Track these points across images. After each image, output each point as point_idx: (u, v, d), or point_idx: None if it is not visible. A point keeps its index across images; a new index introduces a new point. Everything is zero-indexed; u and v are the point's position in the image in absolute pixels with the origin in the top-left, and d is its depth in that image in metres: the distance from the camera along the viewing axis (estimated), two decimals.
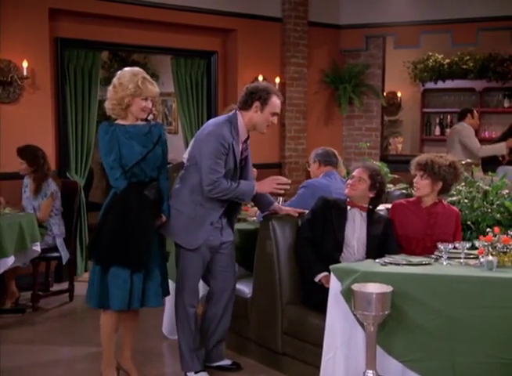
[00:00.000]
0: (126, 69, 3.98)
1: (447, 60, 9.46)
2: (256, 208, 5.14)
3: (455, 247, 3.72)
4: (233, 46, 7.60)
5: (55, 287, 6.30)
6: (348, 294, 3.51)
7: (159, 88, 9.78)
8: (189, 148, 4.90)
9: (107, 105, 3.93)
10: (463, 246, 3.74)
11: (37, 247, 5.48)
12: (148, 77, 3.94)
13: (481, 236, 3.68)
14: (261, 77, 7.64)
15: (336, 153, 5.46)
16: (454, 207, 4.49)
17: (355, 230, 4.21)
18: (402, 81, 9.70)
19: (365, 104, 8.34)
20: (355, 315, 3.48)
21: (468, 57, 9.30)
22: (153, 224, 3.94)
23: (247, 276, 4.80)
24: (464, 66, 9.37)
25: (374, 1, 8.09)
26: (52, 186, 5.81)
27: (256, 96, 4.01)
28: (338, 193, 4.50)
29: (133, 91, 3.82)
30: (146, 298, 3.95)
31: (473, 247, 3.79)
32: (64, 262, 5.93)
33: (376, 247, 4.17)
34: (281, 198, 5.52)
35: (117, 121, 3.95)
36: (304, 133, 8.01)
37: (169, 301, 4.96)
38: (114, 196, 3.90)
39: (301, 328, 4.03)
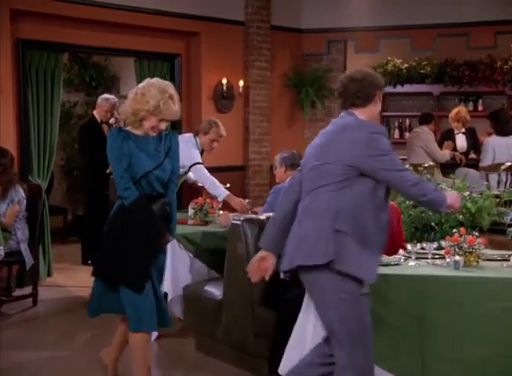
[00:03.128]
0: (155, 81, 3.70)
1: (405, 65, 9.61)
2: (230, 215, 5.20)
3: (422, 248, 3.83)
4: (197, 49, 7.64)
5: (17, 292, 6.22)
6: None
7: (119, 90, 9.82)
8: None
9: (123, 109, 3.74)
10: (430, 246, 3.86)
11: (1, 252, 5.42)
12: (175, 96, 3.68)
13: (448, 237, 3.80)
14: (224, 80, 7.70)
15: (300, 155, 5.55)
16: (392, 203, 4.61)
17: None
18: None
19: (327, 107, 8.46)
20: None
21: (426, 62, 9.48)
22: (159, 243, 3.76)
23: (217, 278, 4.87)
24: (422, 71, 9.52)
25: (335, 7, 8.21)
26: (19, 193, 5.73)
27: None
28: None
29: (152, 109, 3.58)
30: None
31: (439, 248, 3.92)
32: (28, 268, 5.87)
33: None
34: (247, 200, 5.60)
35: (128, 129, 3.73)
36: (267, 136, 8.09)
37: None
38: (122, 208, 3.68)
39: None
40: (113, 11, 6.86)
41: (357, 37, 8.34)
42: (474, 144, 8.13)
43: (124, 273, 3.64)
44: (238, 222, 4.35)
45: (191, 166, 5.60)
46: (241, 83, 7.86)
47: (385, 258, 3.83)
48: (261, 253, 3.38)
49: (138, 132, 3.68)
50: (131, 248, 3.63)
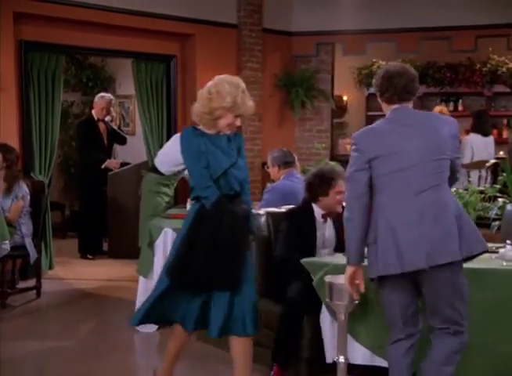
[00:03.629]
0: (226, 77, 3.52)
1: None
2: None
3: None
4: (191, 51, 7.63)
5: (21, 285, 6.21)
6: (320, 286, 3.63)
7: (116, 90, 9.78)
8: None
9: (195, 109, 3.49)
10: None
11: (7, 246, 5.42)
12: (246, 90, 3.51)
13: None
14: None
15: (290, 151, 5.60)
16: None
17: (325, 237, 4.30)
18: (349, 85, 9.90)
19: (316, 107, 8.49)
20: (326, 305, 3.60)
21: (409, 64, 9.54)
22: (247, 243, 3.58)
23: None
24: None
25: (324, 11, 8.23)
26: (23, 188, 5.73)
27: None
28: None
29: (229, 106, 3.39)
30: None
31: None
32: (32, 262, 5.87)
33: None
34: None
35: (199, 128, 3.54)
36: (259, 134, 8.11)
37: (141, 292, 5.00)
38: (202, 210, 3.45)
39: (275, 318, 4.05)
40: (112, 14, 6.84)
41: (345, 40, 8.37)
42: None
43: (220, 277, 3.42)
44: None
45: None
46: None
47: None
48: (351, 270, 3.20)
49: (209, 132, 3.49)
50: (221, 252, 3.40)
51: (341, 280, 3.45)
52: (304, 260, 3.84)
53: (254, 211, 3.84)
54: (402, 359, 3.22)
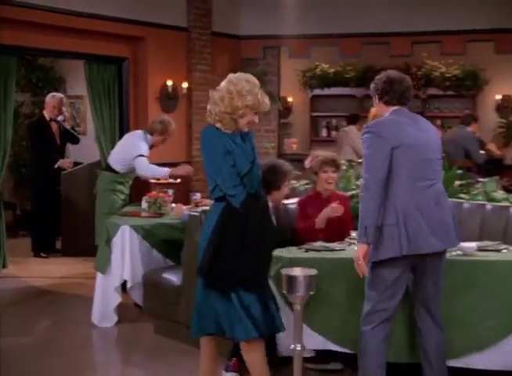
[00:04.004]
0: (240, 76, 3.42)
1: (332, 70, 9.88)
2: (183, 207, 5.26)
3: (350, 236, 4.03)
4: (143, 53, 7.59)
5: None
6: (277, 279, 3.71)
7: (67, 91, 9.61)
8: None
9: (213, 111, 3.36)
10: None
11: None
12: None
13: None
14: (169, 82, 7.71)
15: None
16: (342, 193, 4.80)
17: None
18: (294, 87, 10.03)
19: None
20: (283, 296, 3.68)
21: (350, 68, 9.76)
22: (274, 241, 3.52)
23: (173, 266, 4.92)
24: (347, 76, 9.82)
25: (270, 16, 8.32)
26: None
27: None
28: None
29: (251, 103, 3.30)
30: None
31: None
32: None
33: None
34: (198, 194, 5.66)
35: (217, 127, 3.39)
36: None
37: (99, 288, 4.98)
38: (229, 209, 3.31)
39: None
40: (64, 16, 6.70)
41: (290, 44, 8.49)
42: None
43: (248, 276, 3.33)
44: (196, 214, 4.42)
45: (136, 156, 5.67)
46: (185, 85, 7.88)
47: (332, 245, 4.02)
48: (366, 248, 3.26)
49: (227, 131, 3.37)
50: (251, 250, 3.30)
51: (297, 272, 3.55)
52: None
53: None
54: (381, 342, 3.37)
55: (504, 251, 3.85)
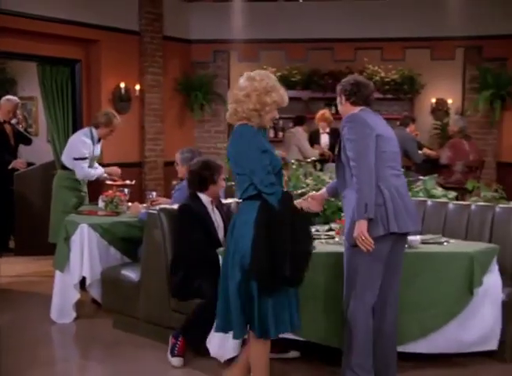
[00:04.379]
0: (260, 72, 3.34)
1: (279, 73, 9.98)
2: (139, 205, 5.26)
3: (317, 230, 4.12)
4: (97, 55, 7.52)
5: None
6: None
7: (19, 92, 9.41)
8: None
9: (239, 108, 3.24)
10: (323, 229, 4.15)
11: None
12: None
13: (337, 220, 4.10)
14: (122, 84, 7.67)
15: (199, 151, 5.70)
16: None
17: (217, 222, 4.37)
18: None
19: (213, 110, 8.62)
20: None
21: (296, 71, 9.90)
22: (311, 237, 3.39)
23: (131, 263, 4.92)
24: (293, 79, 9.94)
25: (220, 21, 8.39)
26: None
27: None
28: None
29: (278, 99, 3.26)
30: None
31: (329, 229, 4.22)
32: None
33: None
34: (154, 193, 5.64)
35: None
36: (161, 135, 8.13)
37: (57, 285, 4.93)
38: (267, 207, 3.17)
39: (188, 305, 4.15)
40: (17, 18, 6.60)
41: (239, 48, 8.56)
42: (336, 142, 8.54)
43: (295, 273, 3.20)
44: (155, 212, 4.43)
45: (74, 160, 5.75)
46: (137, 87, 7.86)
47: None
48: (365, 223, 3.29)
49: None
50: (295, 248, 3.16)
51: None
52: (219, 250, 3.96)
53: None
54: (369, 321, 3.46)
55: (445, 243, 4.03)
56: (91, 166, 5.85)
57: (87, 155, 5.75)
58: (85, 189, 5.99)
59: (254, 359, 3.33)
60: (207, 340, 3.90)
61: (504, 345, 3.96)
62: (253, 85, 3.23)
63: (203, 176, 4.34)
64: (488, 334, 3.82)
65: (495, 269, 3.88)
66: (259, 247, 3.10)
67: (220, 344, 3.81)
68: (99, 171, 5.89)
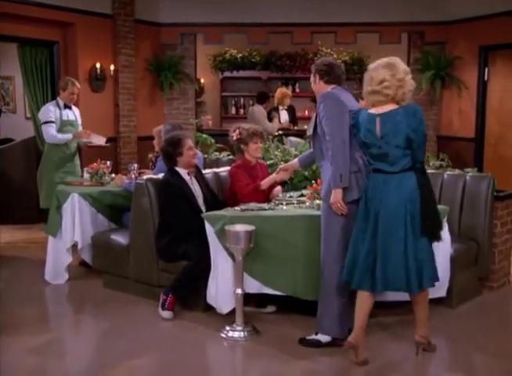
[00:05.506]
0: (396, 58, 3.41)
1: (240, 55, 10.03)
2: (123, 176, 5.31)
3: (290, 196, 4.27)
4: (73, 37, 7.39)
5: None
6: (220, 234, 3.90)
7: None
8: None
9: (405, 90, 3.33)
10: (296, 194, 4.31)
11: None
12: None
13: (309, 187, 4.22)
14: (98, 65, 7.59)
15: (180, 125, 5.76)
16: (263, 161, 4.99)
17: (197, 191, 4.46)
18: (206, 70, 10.08)
19: (182, 88, 8.61)
20: (226, 249, 3.88)
21: (256, 53, 9.95)
22: None
23: (118, 229, 4.99)
24: (253, 60, 10.00)
25: (187, 5, 8.32)
26: None
27: None
28: None
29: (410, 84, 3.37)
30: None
31: (301, 195, 4.37)
32: None
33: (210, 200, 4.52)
34: (135, 165, 5.69)
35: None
36: (134, 112, 8.09)
37: (51, 250, 4.96)
38: (423, 174, 3.41)
39: (175, 266, 4.27)
40: None
41: (205, 31, 8.54)
42: (293, 118, 8.69)
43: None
44: (142, 181, 4.50)
45: (41, 124, 5.90)
46: (112, 67, 7.78)
47: (263, 205, 4.24)
48: (340, 192, 3.43)
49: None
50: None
51: (238, 228, 3.77)
52: (204, 215, 4.08)
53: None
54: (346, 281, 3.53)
55: None
56: (62, 131, 5.87)
57: (52, 119, 5.84)
58: (77, 161, 6.00)
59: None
60: (207, 294, 3.99)
61: (451, 292, 4.23)
62: (405, 69, 3.40)
63: (168, 152, 4.43)
64: (439, 283, 4.07)
65: (445, 227, 4.12)
66: (433, 205, 3.41)
67: (217, 297, 3.92)
68: (66, 135, 5.87)
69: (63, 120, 5.90)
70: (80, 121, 6.13)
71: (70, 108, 5.99)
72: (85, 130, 6.00)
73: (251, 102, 9.91)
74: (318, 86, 3.71)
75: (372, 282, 3.34)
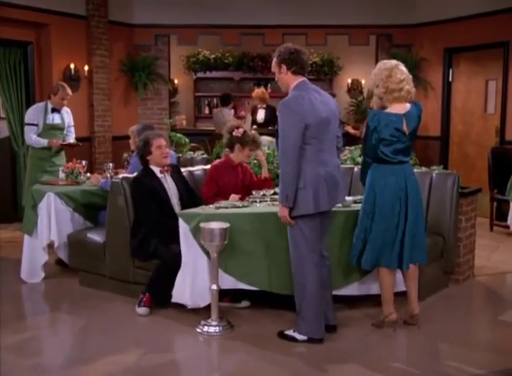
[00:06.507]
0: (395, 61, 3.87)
1: (213, 56, 10.02)
2: (98, 176, 5.28)
3: (264, 194, 4.30)
4: (47, 38, 7.31)
5: None
6: (195, 232, 3.90)
7: None
8: None
9: (411, 90, 3.76)
10: (269, 193, 4.34)
11: None
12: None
13: None
14: (72, 65, 7.51)
15: (152, 125, 5.75)
16: (246, 165, 5.01)
17: (171, 189, 4.45)
18: (180, 70, 10.05)
19: (156, 89, 8.58)
20: (201, 246, 3.88)
21: (228, 54, 9.95)
22: None
23: (93, 227, 4.96)
24: (226, 61, 10.01)
25: (161, 7, 8.30)
26: None
27: None
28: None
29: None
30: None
31: (274, 194, 4.40)
32: None
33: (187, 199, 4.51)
34: (111, 164, 5.65)
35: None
36: (109, 112, 8.03)
37: (26, 248, 4.90)
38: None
39: (150, 263, 4.25)
40: None
41: (178, 33, 8.52)
42: (272, 118, 8.67)
43: None
44: (118, 180, 4.48)
45: (26, 123, 5.92)
46: (86, 68, 7.71)
47: (237, 203, 4.27)
48: (286, 209, 3.46)
49: None
50: None
51: (213, 225, 3.78)
52: (180, 212, 4.08)
53: None
54: (318, 276, 3.56)
55: None
56: (46, 134, 5.87)
57: (34, 122, 5.85)
58: (60, 161, 5.93)
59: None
60: (173, 292, 3.98)
61: (419, 285, 4.27)
62: (405, 74, 3.79)
63: (139, 151, 4.46)
64: None
65: None
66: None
67: (192, 293, 3.90)
68: (41, 141, 5.88)
69: (46, 123, 5.90)
70: (72, 123, 6.13)
71: (58, 112, 5.96)
72: (56, 140, 5.95)
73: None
74: (285, 78, 3.41)
75: (399, 259, 3.76)
